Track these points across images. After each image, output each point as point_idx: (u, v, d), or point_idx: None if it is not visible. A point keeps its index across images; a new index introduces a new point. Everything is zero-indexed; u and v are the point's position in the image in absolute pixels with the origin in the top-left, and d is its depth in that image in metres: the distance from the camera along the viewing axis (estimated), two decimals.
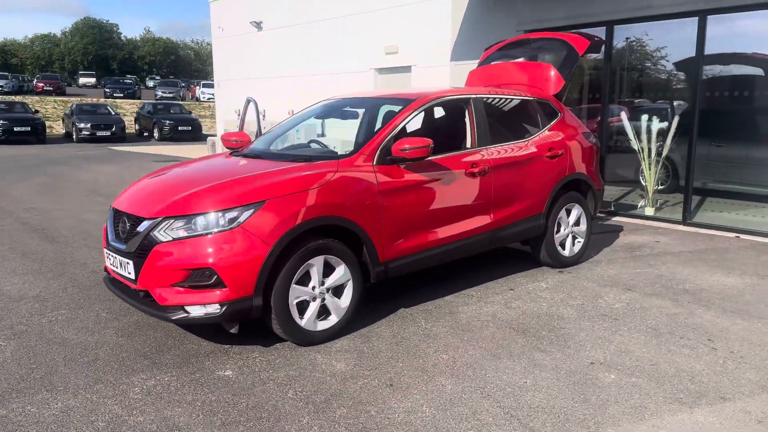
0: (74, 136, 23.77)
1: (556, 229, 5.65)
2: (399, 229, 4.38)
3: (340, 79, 12.17)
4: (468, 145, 5.02)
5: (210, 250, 3.64)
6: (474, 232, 4.90)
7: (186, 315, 3.70)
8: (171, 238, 3.71)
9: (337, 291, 4.14)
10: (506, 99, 5.67)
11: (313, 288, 3.99)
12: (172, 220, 3.74)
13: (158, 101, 32.96)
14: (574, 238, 5.87)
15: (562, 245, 5.77)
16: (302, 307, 3.97)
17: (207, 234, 3.68)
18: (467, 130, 5.07)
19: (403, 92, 5.10)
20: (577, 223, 5.87)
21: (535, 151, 5.38)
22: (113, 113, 26.02)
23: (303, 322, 3.95)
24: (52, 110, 32.68)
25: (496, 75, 6.40)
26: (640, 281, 5.42)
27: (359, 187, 4.15)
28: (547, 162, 5.46)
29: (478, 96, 5.16)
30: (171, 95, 41.63)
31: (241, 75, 15.48)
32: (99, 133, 23.62)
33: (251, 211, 3.73)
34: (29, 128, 22.56)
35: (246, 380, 3.56)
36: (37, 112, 25.29)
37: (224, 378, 3.60)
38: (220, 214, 3.71)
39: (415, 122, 5.12)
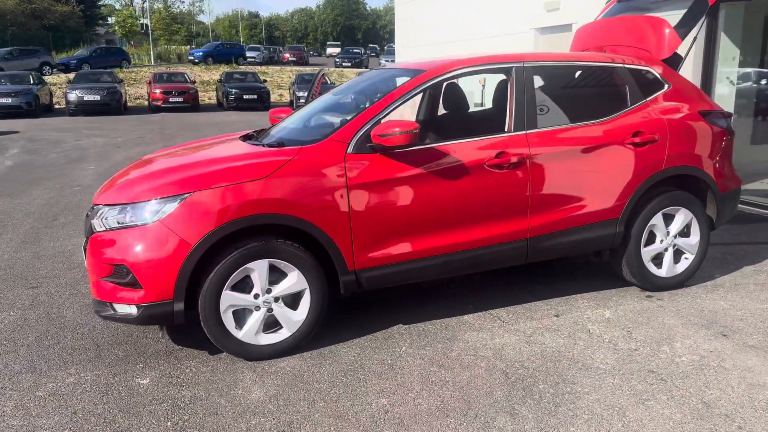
0: (293, 105, 25.70)
1: (644, 240, 4.23)
2: (378, 233, 3.58)
3: (501, 41, 10.98)
4: (505, 128, 3.92)
5: (126, 245, 3.30)
6: (499, 239, 3.84)
7: (113, 313, 3.44)
8: (104, 228, 3.44)
9: (294, 300, 3.53)
10: (575, 66, 4.34)
11: (256, 296, 3.44)
12: (107, 209, 3.47)
13: (367, 70, 34.00)
14: (678, 252, 4.37)
15: (657, 262, 4.32)
16: (244, 316, 3.46)
17: (129, 227, 3.34)
18: (506, 109, 3.95)
19: (419, 62, 4.15)
20: (685, 233, 4.35)
21: (609, 136, 4.03)
22: (328, 83, 27.44)
23: (240, 334, 3.43)
24: (287, 80, 35.68)
25: (602, 34, 4.98)
26: (753, 323, 3.83)
27: (319, 181, 3.44)
28: (629, 150, 4.06)
29: (524, 64, 3.98)
30: (393, 62, 42.82)
31: (418, 42, 14.94)
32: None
33: (174, 204, 3.28)
34: (255, 96, 25.06)
35: (150, 394, 3.19)
36: (264, 81, 27.81)
37: (134, 386, 3.27)
38: (145, 206, 3.33)
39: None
